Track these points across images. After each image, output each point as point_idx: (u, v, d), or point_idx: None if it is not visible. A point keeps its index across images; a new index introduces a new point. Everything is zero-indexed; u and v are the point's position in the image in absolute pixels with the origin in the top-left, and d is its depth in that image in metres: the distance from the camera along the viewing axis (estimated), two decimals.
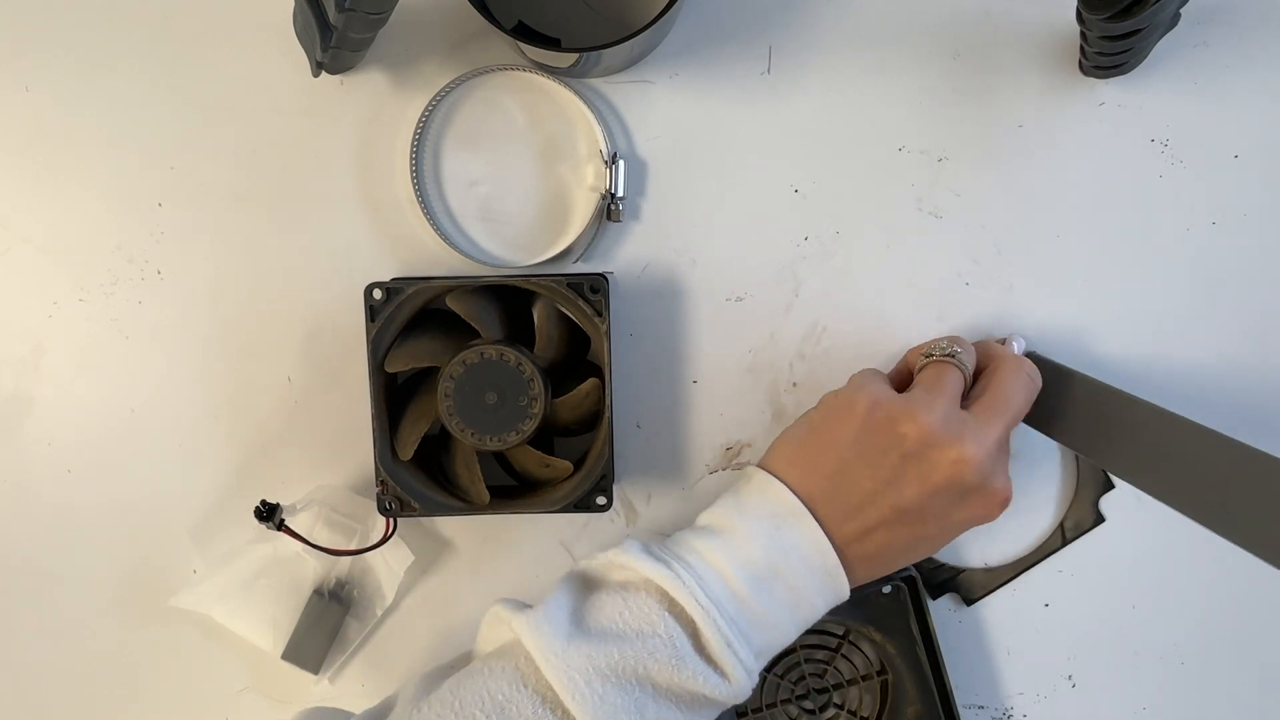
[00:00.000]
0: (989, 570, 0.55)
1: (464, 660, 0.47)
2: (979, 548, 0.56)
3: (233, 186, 0.54)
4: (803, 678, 0.55)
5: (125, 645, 0.56)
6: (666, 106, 0.54)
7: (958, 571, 0.55)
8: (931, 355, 0.48)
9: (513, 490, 0.55)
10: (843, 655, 0.55)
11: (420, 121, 0.53)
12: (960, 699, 0.55)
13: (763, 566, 0.43)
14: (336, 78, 0.54)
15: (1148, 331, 0.54)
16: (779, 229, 0.54)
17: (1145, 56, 0.51)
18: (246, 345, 0.55)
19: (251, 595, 0.54)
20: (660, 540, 0.46)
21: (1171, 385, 0.54)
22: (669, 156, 0.54)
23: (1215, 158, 0.53)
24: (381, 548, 0.53)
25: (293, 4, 0.48)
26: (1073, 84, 0.53)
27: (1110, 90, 0.53)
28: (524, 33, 0.52)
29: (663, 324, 0.55)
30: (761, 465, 0.47)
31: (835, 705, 0.55)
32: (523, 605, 0.44)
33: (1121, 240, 0.54)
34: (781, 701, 0.55)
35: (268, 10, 0.53)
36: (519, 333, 0.52)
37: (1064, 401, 0.51)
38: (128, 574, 0.56)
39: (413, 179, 0.53)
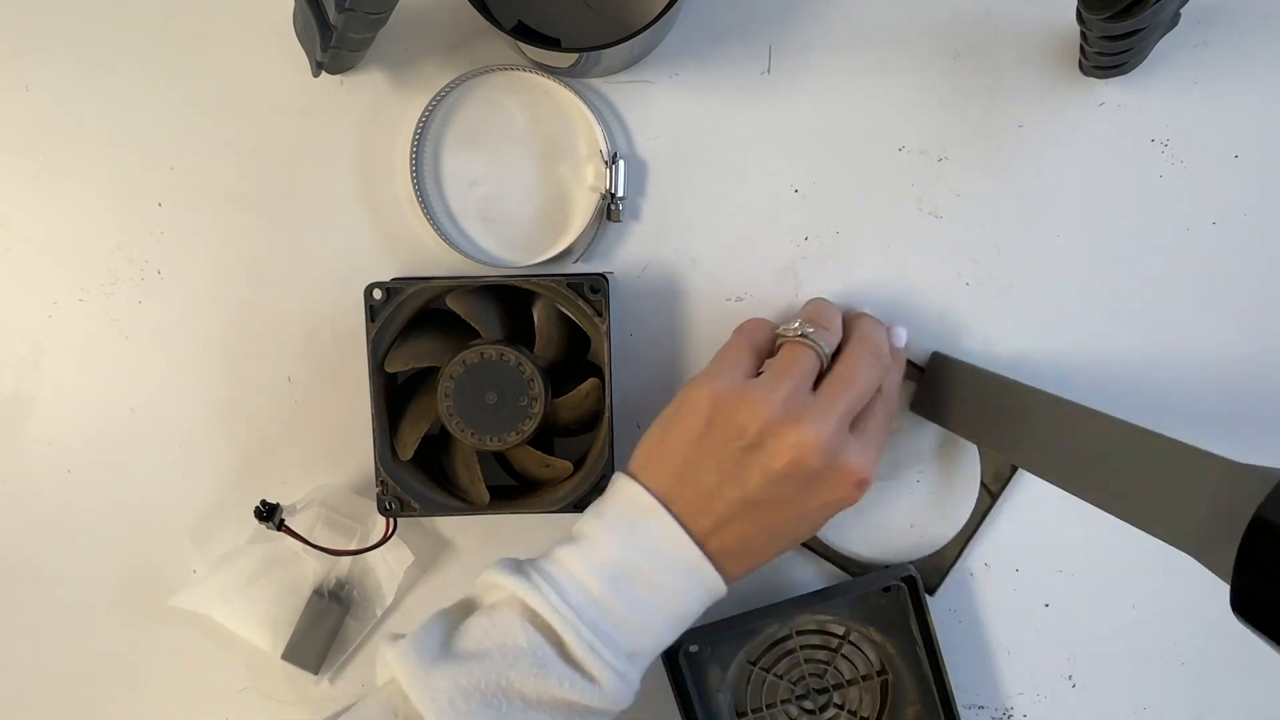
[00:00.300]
0: (938, 553, 0.55)
1: None
2: (915, 537, 0.56)
3: (233, 186, 0.54)
4: (803, 678, 0.55)
5: (125, 645, 0.56)
6: (666, 106, 0.54)
7: (908, 567, 0.55)
8: (785, 336, 0.47)
9: (513, 490, 0.55)
10: (843, 655, 0.55)
11: (420, 121, 0.53)
12: (960, 699, 0.55)
13: (621, 567, 0.43)
14: (336, 78, 0.54)
15: (1147, 331, 0.54)
16: (779, 229, 0.54)
17: (1145, 56, 0.51)
18: (246, 345, 0.55)
19: (251, 595, 0.54)
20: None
21: (1171, 385, 0.54)
22: (669, 156, 0.54)
23: (1215, 158, 0.53)
24: (381, 548, 0.53)
25: (293, 4, 0.48)
26: (1073, 84, 0.53)
27: (1110, 90, 0.53)
28: (524, 33, 0.52)
29: (663, 324, 0.55)
30: (624, 470, 0.47)
31: (835, 705, 0.55)
32: (400, 637, 0.44)
33: (1121, 240, 0.54)
34: (781, 702, 0.55)
35: (268, 10, 0.53)
36: (519, 333, 0.52)
37: (955, 395, 0.52)
38: (128, 574, 0.56)
39: (413, 179, 0.53)
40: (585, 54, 0.48)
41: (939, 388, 0.54)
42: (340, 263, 0.54)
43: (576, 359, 0.55)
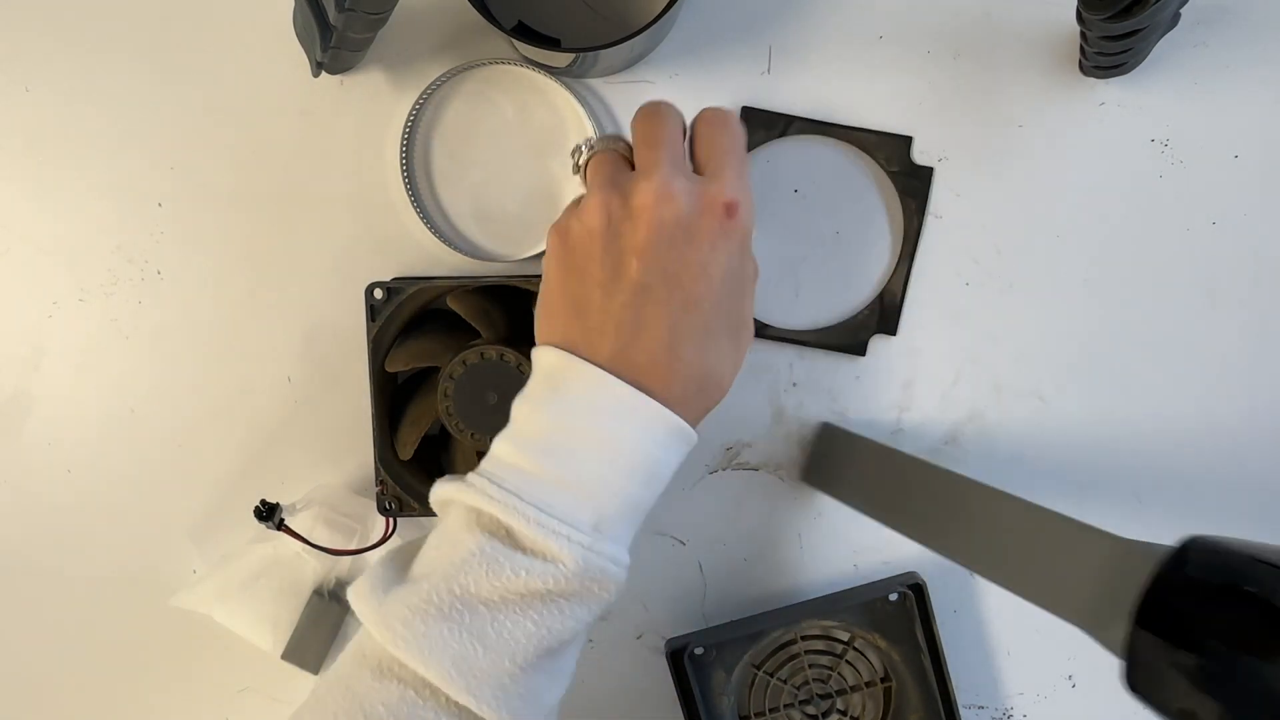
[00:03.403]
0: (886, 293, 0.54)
1: None
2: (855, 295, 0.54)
3: (233, 186, 0.54)
4: (806, 683, 0.55)
5: (125, 645, 0.56)
6: None
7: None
8: (579, 156, 0.45)
9: None
10: (847, 661, 0.55)
11: (409, 119, 0.53)
12: (960, 699, 0.55)
13: (552, 433, 0.40)
14: (336, 78, 0.54)
15: (1147, 332, 0.54)
16: (777, 229, 0.54)
17: (1145, 56, 0.51)
18: (246, 345, 0.55)
19: (251, 595, 0.54)
20: None
21: (1170, 387, 0.54)
22: None
23: (1215, 158, 0.53)
24: (381, 548, 0.53)
25: (293, 4, 0.48)
26: (1073, 84, 0.53)
27: (1110, 90, 0.53)
28: (524, 33, 0.52)
29: None
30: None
31: (839, 711, 0.55)
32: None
33: (1121, 240, 0.54)
34: (785, 706, 0.55)
35: (268, 10, 0.53)
36: (519, 333, 0.52)
37: (844, 468, 0.52)
38: (128, 574, 0.56)
39: (404, 177, 0.53)
40: (584, 54, 0.48)
41: (828, 459, 0.54)
42: (340, 263, 0.54)
43: None
